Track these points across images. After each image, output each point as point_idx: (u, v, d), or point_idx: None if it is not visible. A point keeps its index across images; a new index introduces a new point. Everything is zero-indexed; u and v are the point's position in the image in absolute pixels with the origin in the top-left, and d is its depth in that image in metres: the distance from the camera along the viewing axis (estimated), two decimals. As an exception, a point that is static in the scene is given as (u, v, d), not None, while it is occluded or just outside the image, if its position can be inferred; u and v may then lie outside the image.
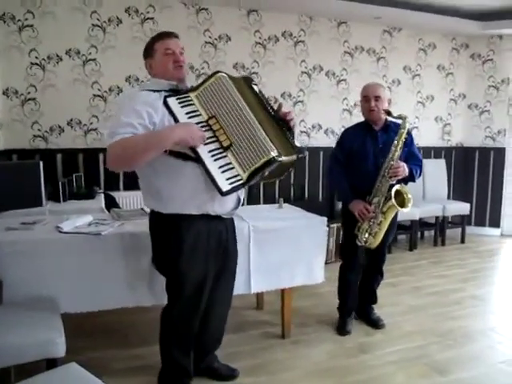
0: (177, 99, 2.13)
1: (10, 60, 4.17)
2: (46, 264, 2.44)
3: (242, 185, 2.08)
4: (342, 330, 3.24)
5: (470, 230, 6.07)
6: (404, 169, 2.96)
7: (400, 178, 2.97)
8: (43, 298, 2.38)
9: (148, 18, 4.58)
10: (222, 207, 2.24)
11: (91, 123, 4.50)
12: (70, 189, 3.96)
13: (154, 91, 2.14)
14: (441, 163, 6.04)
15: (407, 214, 5.21)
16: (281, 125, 2.19)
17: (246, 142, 2.06)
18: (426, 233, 6.04)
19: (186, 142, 2.04)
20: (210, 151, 2.07)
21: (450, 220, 5.91)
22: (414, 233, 5.48)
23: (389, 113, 3.04)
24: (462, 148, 6.29)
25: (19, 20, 4.16)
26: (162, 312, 2.39)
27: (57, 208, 3.52)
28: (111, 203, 4.18)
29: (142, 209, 3.35)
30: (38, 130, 4.35)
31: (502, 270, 4.98)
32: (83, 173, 4.35)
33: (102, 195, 4.14)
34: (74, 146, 4.46)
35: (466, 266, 4.89)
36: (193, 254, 2.22)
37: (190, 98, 2.16)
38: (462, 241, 5.82)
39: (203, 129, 2.09)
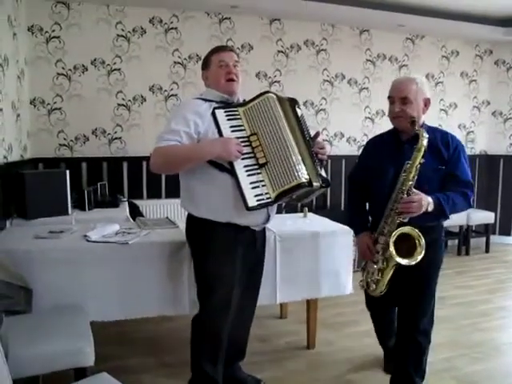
0: (224, 112, 2.22)
1: (37, 70, 4.25)
2: (74, 272, 2.47)
3: (270, 203, 2.14)
4: (389, 368, 2.76)
5: (494, 239, 5.96)
6: (420, 204, 2.18)
7: (415, 215, 2.22)
8: (72, 306, 2.40)
9: (172, 28, 4.63)
10: (249, 220, 2.26)
11: (115, 132, 4.55)
12: (95, 197, 4.00)
13: (206, 101, 2.26)
14: (464, 171, 5.95)
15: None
16: (313, 152, 2.24)
17: (280, 163, 2.11)
18: (450, 242, 5.94)
19: (223, 158, 2.14)
20: (246, 166, 2.15)
21: (474, 229, 5.82)
22: (437, 242, 5.40)
23: (413, 122, 2.29)
24: (486, 156, 6.20)
25: (46, 32, 4.24)
26: (192, 320, 2.40)
27: (82, 216, 3.55)
28: (135, 211, 4.22)
29: (167, 217, 3.38)
30: (64, 138, 4.41)
31: (529, 280, 4.88)
32: (107, 181, 4.41)
33: (126, 203, 4.17)
34: (99, 155, 4.52)
35: (492, 276, 4.80)
36: (220, 259, 2.25)
37: (237, 113, 2.24)
38: (487, 250, 5.73)
39: (243, 144, 2.16)
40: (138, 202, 4.45)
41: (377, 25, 5.29)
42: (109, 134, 4.54)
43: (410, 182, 2.23)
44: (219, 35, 4.78)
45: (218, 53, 2.33)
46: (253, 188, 2.11)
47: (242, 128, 2.20)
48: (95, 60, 4.42)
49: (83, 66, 4.39)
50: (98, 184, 4.17)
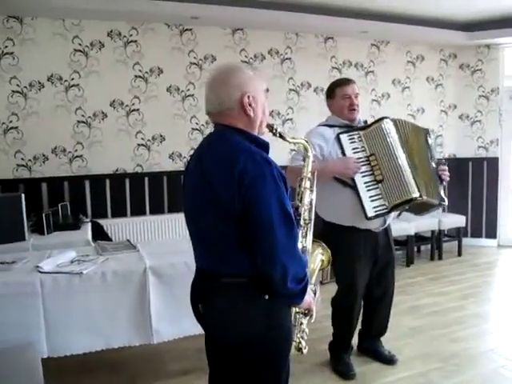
0: (347, 136, 2.68)
1: (-10, 89, 4.07)
2: (25, 307, 2.33)
3: (385, 213, 2.62)
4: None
5: (466, 241, 5.97)
6: None
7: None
8: (23, 343, 2.26)
9: (131, 41, 4.49)
10: (367, 225, 2.69)
11: (76, 150, 4.39)
12: (56, 219, 3.83)
13: (330, 126, 2.75)
14: (434, 175, 5.96)
15: (402, 229, 5.18)
16: (433, 172, 2.74)
17: (394, 180, 2.58)
18: (423, 247, 5.93)
19: (344, 175, 2.61)
20: (365, 182, 2.61)
21: (446, 233, 5.82)
22: (410, 248, 5.38)
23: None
24: (455, 159, 6.20)
25: (-1, 48, 4.07)
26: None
27: (41, 242, 3.37)
28: (99, 232, 4.06)
29: (128, 240, 3.25)
30: (22, 159, 4.23)
31: (501, 283, 4.87)
32: (69, 201, 4.24)
33: (89, 224, 4.00)
34: (59, 174, 4.34)
35: (465, 280, 4.78)
36: (344, 254, 2.67)
37: (358, 136, 2.69)
38: (459, 254, 5.71)
39: (362, 163, 2.61)
40: (102, 221, 4.29)
41: (341, 32, 5.25)
42: (69, 152, 4.37)
43: None
44: (181, 47, 4.66)
45: (341, 87, 2.77)
46: (371, 201, 2.58)
47: (363, 149, 2.65)
48: (52, 76, 4.25)
49: (39, 82, 4.22)
50: (59, 205, 4.01)
